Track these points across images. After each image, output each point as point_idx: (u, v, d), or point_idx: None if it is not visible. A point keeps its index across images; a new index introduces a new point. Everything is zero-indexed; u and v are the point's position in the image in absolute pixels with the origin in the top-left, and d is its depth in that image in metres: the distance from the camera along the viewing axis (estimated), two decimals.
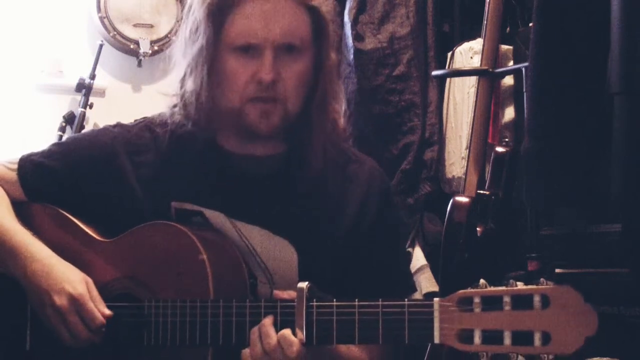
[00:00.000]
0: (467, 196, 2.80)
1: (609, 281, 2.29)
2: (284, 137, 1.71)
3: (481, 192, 2.80)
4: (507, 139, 3.05)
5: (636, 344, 2.20)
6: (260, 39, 1.61)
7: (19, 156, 1.80)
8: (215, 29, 1.63)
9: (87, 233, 1.70)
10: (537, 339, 1.34)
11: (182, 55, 1.68)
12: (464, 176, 2.91)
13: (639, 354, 2.17)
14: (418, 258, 3.25)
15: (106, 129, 1.79)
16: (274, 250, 1.65)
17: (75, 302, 1.59)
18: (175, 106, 1.72)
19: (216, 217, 1.67)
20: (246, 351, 1.51)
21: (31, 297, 1.65)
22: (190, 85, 1.67)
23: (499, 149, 2.81)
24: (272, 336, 1.47)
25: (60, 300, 1.59)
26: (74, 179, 1.74)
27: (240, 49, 1.62)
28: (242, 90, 1.63)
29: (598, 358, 2.06)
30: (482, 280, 1.41)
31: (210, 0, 1.63)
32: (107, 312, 1.60)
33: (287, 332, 1.47)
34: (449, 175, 3.25)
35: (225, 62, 1.63)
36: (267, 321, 1.49)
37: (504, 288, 1.38)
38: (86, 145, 1.77)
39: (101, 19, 3.87)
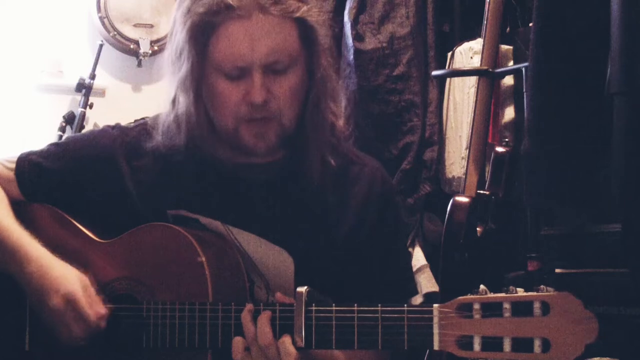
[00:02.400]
0: (467, 196, 2.79)
1: (609, 281, 2.29)
2: (281, 144, 1.69)
3: (481, 192, 2.80)
4: (507, 139, 3.05)
5: (636, 344, 2.20)
6: (247, 61, 1.56)
7: (18, 154, 1.79)
8: (199, 52, 1.58)
9: (85, 234, 1.70)
10: (537, 346, 1.33)
11: (172, 74, 1.65)
12: (464, 176, 2.91)
13: (639, 354, 2.17)
14: (418, 258, 3.25)
15: (105, 131, 1.78)
16: (270, 258, 1.65)
17: (70, 301, 1.58)
18: (169, 126, 1.68)
19: (212, 224, 1.66)
20: (238, 339, 1.50)
21: (30, 297, 1.65)
22: (181, 107, 1.65)
23: (499, 149, 2.81)
24: (268, 333, 1.47)
25: (56, 300, 1.59)
26: (72, 180, 1.74)
27: (227, 71, 1.58)
28: (235, 112, 1.60)
29: (598, 358, 2.06)
30: (482, 287, 1.40)
31: (192, 23, 1.58)
32: (102, 311, 1.59)
33: (287, 340, 1.47)
34: (449, 175, 3.25)
35: (214, 84, 1.60)
36: (264, 317, 1.48)
37: (504, 294, 1.38)
38: (85, 147, 1.76)
39: (101, 19, 3.86)
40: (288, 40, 1.59)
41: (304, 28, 1.61)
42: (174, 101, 1.67)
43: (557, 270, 2.47)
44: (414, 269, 3.22)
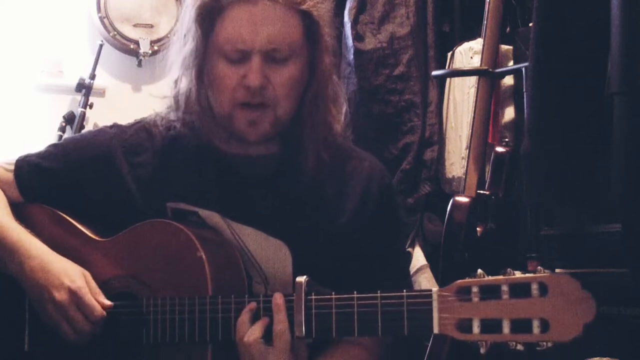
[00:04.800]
0: (467, 196, 2.80)
1: (609, 281, 2.28)
2: (278, 137, 1.70)
3: (481, 192, 2.80)
4: (507, 139, 3.05)
5: (636, 344, 2.20)
6: (248, 45, 1.59)
7: (16, 157, 1.80)
8: (204, 33, 1.62)
9: (84, 233, 1.71)
10: (535, 327, 1.35)
11: (177, 55, 1.68)
12: (464, 176, 2.91)
13: (639, 354, 2.17)
14: (418, 258, 3.25)
15: (103, 130, 1.80)
16: (268, 251, 1.65)
17: (74, 295, 1.59)
18: (170, 107, 1.72)
19: (211, 217, 1.67)
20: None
21: (30, 293, 1.65)
22: (183, 86, 1.68)
23: (499, 149, 2.81)
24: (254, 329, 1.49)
25: (60, 295, 1.59)
26: (71, 179, 1.74)
27: (228, 54, 1.61)
28: (231, 95, 1.62)
29: (598, 358, 2.06)
30: (479, 270, 1.41)
31: (200, 3, 1.62)
32: (107, 302, 1.60)
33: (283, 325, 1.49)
34: (449, 175, 3.25)
35: (215, 66, 1.62)
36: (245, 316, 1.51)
37: (501, 277, 1.39)
38: (83, 146, 1.77)
39: (101, 19, 3.87)
40: (290, 30, 1.61)
41: (309, 22, 1.63)
42: (177, 81, 1.70)
43: (557, 270, 2.47)
44: (414, 269, 3.22)
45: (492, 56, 2.92)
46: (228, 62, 1.61)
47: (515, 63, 3.06)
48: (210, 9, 1.60)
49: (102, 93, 3.97)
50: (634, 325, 2.22)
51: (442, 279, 2.80)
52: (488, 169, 2.85)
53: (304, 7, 1.62)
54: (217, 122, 1.68)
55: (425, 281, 3.21)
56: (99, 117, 3.80)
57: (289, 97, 1.64)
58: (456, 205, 2.74)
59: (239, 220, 1.66)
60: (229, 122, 1.65)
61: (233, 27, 1.59)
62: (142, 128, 1.77)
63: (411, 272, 3.19)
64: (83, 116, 3.76)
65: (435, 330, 1.40)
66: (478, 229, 2.73)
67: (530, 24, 2.43)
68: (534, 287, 1.35)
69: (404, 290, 1.44)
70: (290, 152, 1.70)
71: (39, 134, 3.69)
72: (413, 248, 3.27)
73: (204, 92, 1.65)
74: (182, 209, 1.68)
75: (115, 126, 1.80)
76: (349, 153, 1.78)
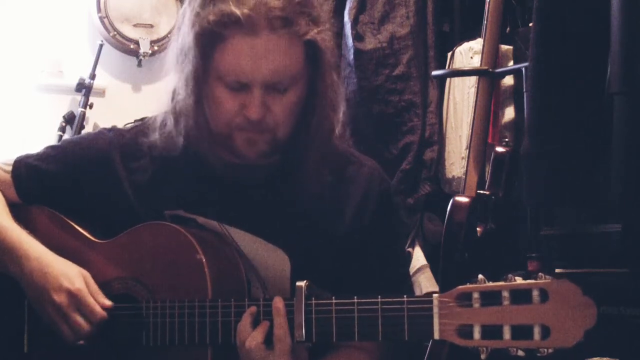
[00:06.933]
0: (467, 196, 2.79)
1: (609, 281, 2.28)
2: (273, 152, 1.68)
3: (481, 192, 2.80)
4: (507, 139, 3.05)
5: (636, 344, 2.20)
6: (249, 78, 1.55)
7: (14, 157, 1.79)
8: (203, 58, 1.57)
9: (83, 234, 1.70)
10: (536, 333, 1.35)
11: (174, 68, 1.65)
12: (464, 176, 2.91)
13: (639, 354, 2.17)
14: (418, 258, 3.25)
15: (101, 133, 1.79)
16: (266, 257, 1.65)
17: (74, 297, 1.59)
18: (166, 115, 1.69)
19: (209, 224, 1.66)
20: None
21: (30, 295, 1.65)
22: (180, 103, 1.65)
23: (499, 149, 2.81)
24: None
25: (59, 297, 1.59)
26: (69, 182, 1.74)
27: (228, 82, 1.58)
28: (230, 120, 1.60)
29: (598, 358, 2.06)
30: (480, 276, 1.41)
31: (199, 29, 1.56)
32: (107, 302, 1.60)
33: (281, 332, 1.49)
34: (449, 175, 3.25)
35: (214, 89, 1.59)
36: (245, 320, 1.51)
37: (502, 283, 1.39)
38: (81, 149, 1.77)
39: (101, 19, 3.87)
40: (293, 62, 1.57)
41: (313, 50, 1.59)
42: (174, 92, 1.67)
43: (557, 270, 2.46)
44: (414, 269, 3.22)
45: (492, 56, 2.92)
46: (227, 88, 1.58)
47: (515, 63, 3.05)
48: (210, 35, 1.55)
49: (102, 93, 3.97)
50: (634, 325, 2.21)
51: (442, 279, 2.80)
52: (488, 169, 2.85)
53: (308, 37, 1.57)
54: (214, 137, 1.65)
55: (425, 281, 3.21)
56: (99, 117, 3.80)
57: (288, 121, 1.62)
58: (456, 205, 2.73)
59: (237, 226, 1.65)
60: (227, 140, 1.63)
61: (234, 59, 1.55)
62: (141, 132, 1.75)
63: (411, 272, 3.19)
64: (83, 116, 3.76)
65: (436, 336, 1.40)
66: (478, 229, 2.73)
67: (530, 24, 2.43)
68: (535, 293, 1.36)
69: (405, 296, 1.44)
70: (291, 160, 1.69)
71: (39, 134, 3.70)
72: (413, 248, 3.27)
73: (202, 112, 1.63)
74: (181, 216, 1.68)
75: (113, 130, 1.79)
76: (348, 157, 1.77)
